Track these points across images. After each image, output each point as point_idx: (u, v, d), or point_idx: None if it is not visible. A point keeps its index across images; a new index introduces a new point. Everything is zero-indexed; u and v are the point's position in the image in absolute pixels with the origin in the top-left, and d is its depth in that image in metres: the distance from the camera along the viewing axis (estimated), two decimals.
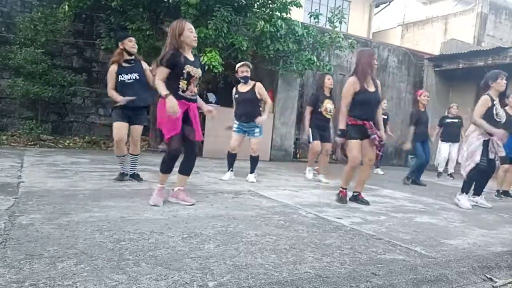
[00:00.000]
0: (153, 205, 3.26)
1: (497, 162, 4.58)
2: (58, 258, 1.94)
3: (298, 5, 7.92)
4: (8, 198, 3.14)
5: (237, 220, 2.99)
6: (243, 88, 5.25)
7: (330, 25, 8.53)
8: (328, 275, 2.00)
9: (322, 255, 2.32)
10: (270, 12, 7.73)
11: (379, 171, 8.02)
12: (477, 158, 4.37)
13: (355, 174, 4.20)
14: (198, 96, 4.08)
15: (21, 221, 2.53)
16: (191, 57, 3.39)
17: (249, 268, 2.01)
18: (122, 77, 4.25)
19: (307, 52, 8.32)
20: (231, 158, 5.31)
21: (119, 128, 4.29)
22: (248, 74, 5.21)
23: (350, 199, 4.26)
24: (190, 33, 3.30)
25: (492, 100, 4.39)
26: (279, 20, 7.56)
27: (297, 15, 8.75)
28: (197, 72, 3.37)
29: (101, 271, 1.82)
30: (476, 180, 4.54)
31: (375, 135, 4.01)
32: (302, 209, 3.62)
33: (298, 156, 9.50)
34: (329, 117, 5.84)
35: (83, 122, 9.12)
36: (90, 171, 4.91)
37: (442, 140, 8.22)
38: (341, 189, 4.22)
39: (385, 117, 8.09)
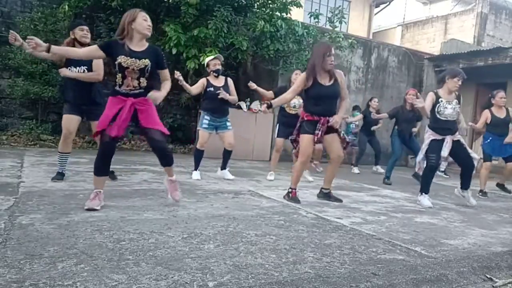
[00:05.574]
0: (87, 209, 2.91)
1: (475, 160, 4.56)
2: (58, 258, 1.94)
3: (298, 5, 7.93)
4: (8, 198, 3.14)
5: (237, 220, 2.99)
6: (216, 81, 5.00)
7: (330, 25, 8.54)
8: (328, 275, 2.00)
9: (322, 255, 2.32)
10: (270, 12, 7.74)
11: (379, 168, 8.01)
12: (422, 156, 4.55)
13: (303, 173, 4.14)
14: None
15: (21, 221, 2.53)
16: (138, 48, 3.03)
17: (249, 268, 2.01)
18: (70, 69, 3.99)
19: (307, 52, 8.31)
20: (201, 155, 5.07)
21: (69, 120, 4.03)
22: (220, 67, 5.07)
23: (319, 196, 4.21)
24: (143, 21, 3.01)
25: (438, 98, 4.40)
26: (279, 20, 7.57)
27: (297, 15, 8.76)
28: (133, 63, 2.96)
29: (101, 271, 1.82)
30: (427, 177, 4.50)
31: (319, 131, 3.83)
32: (302, 209, 3.62)
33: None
34: (294, 112, 5.43)
35: (83, 122, 9.09)
36: (90, 171, 4.90)
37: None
38: (290, 189, 4.00)
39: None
